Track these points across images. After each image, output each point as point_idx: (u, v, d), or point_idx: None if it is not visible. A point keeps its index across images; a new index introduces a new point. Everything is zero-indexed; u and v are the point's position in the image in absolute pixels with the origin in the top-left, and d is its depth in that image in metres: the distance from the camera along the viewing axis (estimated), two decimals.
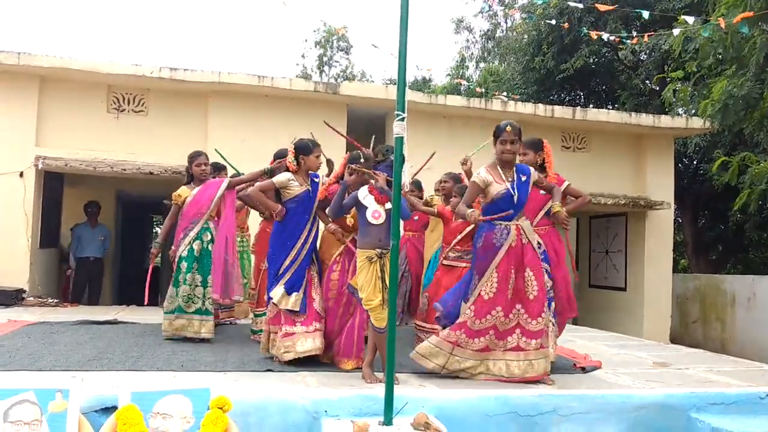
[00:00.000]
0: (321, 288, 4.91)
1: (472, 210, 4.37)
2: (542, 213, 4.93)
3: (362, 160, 4.74)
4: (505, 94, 14.86)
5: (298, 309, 4.77)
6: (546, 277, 4.73)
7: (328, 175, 5.36)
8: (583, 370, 5.07)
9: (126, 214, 13.59)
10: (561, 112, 10.94)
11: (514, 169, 4.58)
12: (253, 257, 6.81)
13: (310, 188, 4.99)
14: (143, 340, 5.81)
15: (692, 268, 15.59)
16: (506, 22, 23.04)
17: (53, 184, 9.71)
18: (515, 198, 4.46)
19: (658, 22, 13.13)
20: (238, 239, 6.70)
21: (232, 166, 6.69)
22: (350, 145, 7.41)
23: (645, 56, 15.38)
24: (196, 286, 5.84)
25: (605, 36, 8.59)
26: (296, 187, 4.93)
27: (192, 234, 5.89)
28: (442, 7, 46.29)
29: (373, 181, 4.52)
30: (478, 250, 4.57)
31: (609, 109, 14.89)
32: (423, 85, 22.02)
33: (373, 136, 5.22)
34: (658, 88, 14.23)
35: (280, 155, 5.62)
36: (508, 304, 4.44)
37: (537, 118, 10.69)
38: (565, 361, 5.36)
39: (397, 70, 3.70)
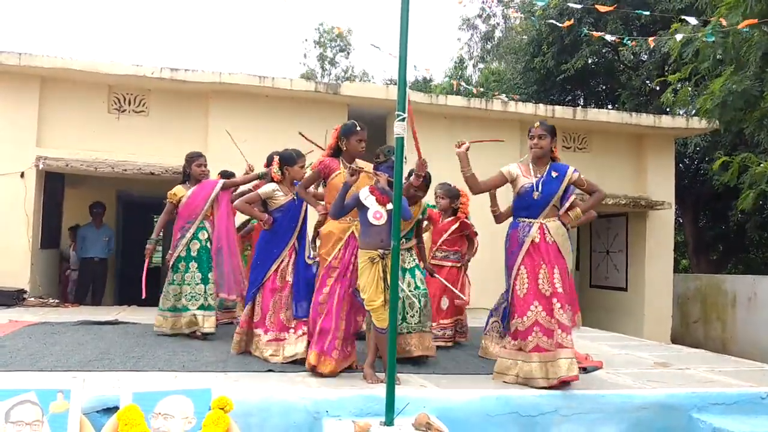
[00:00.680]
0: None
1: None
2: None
3: (358, 129, 4.69)
4: (504, 94, 14.87)
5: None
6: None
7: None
8: (584, 370, 5.06)
9: (127, 214, 13.59)
10: (561, 112, 10.94)
11: (548, 166, 4.64)
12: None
13: (295, 197, 5.14)
14: (144, 340, 5.81)
15: (693, 268, 15.59)
16: (505, 23, 23.04)
17: (54, 185, 9.72)
18: (536, 194, 4.52)
19: (658, 23, 13.13)
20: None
21: (240, 150, 6.85)
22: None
23: (645, 56, 15.37)
24: (197, 283, 6.01)
25: (608, 37, 8.57)
26: (281, 197, 5.17)
27: (189, 234, 6.06)
28: (442, 8, 46.31)
29: (375, 181, 4.52)
30: (506, 249, 4.66)
31: (609, 109, 14.90)
32: (424, 85, 22.01)
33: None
34: (658, 89, 14.23)
35: (272, 159, 5.71)
36: (547, 301, 4.38)
37: (537, 118, 10.61)
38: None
39: (398, 70, 3.70)
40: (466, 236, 6.23)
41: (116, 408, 3.27)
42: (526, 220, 4.56)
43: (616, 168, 11.39)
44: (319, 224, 5.17)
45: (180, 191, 6.20)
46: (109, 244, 10.30)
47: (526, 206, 4.56)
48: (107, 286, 11.77)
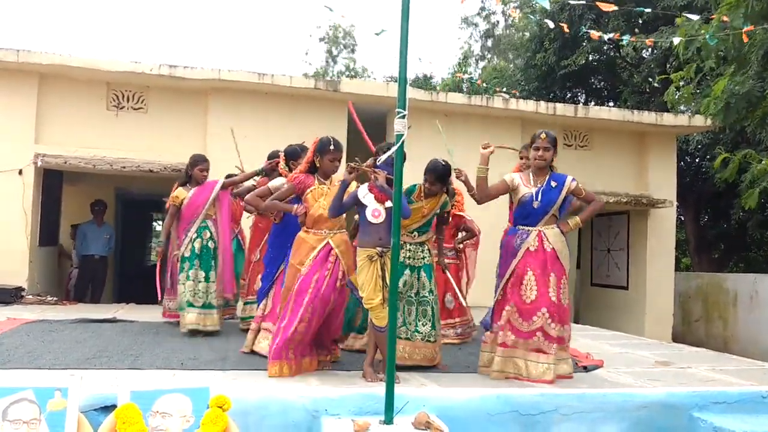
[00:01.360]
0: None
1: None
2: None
3: (331, 147, 4.66)
4: (505, 90, 14.85)
5: None
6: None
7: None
8: (585, 369, 5.06)
9: (126, 211, 13.59)
10: (563, 109, 10.91)
11: (548, 175, 4.70)
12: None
13: None
14: (142, 338, 5.80)
15: (695, 267, 15.57)
16: (505, 20, 23.04)
17: (52, 182, 9.69)
18: (536, 203, 4.61)
19: (661, 19, 13.09)
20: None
21: (237, 150, 6.95)
22: (351, 142, 7.41)
23: (647, 53, 15.34)
24: (199, 281, 6.11)
25: (606, 37, 8.54)
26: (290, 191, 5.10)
27: (191, 234, 6.18)
28: (444, 4, 46.25)
29: (373, 179, 4.49)
30: (501, 254, 4.78)
31: (611, 106, 14.87)
32: (424, 82, 21.99)
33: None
34: (660, 86, 14.20)
35: (274, 156, 5.98)
36: (530, 306, 4.53)
37: (538, 116, 10.66)
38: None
39: (398, 67, 3.67)
40: (465, 229, 6.30)
41: (114, 406, 3.26)
42: (525, 228, 4.66)
43: (618, 166, 11.37)
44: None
45: (182, 193, 6.38)
46: (110, 242, 10.29)
47: (525, 215, 4.65)
48: (106, 283, 11.76)
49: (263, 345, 4.99)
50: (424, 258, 4.94)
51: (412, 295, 4.84)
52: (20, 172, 8.95)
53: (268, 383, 4.12)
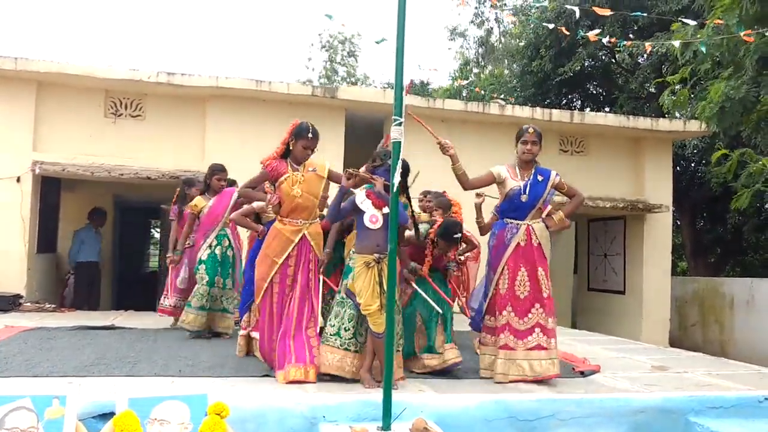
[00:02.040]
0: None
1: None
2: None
3: (309, 135, 4.71)
4: (502, 97, 14.90)
5: None
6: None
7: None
8: (582, 374, 5.07)
9: (124, 218, 13.57)
10: (559, 115, 10.95)
11: (534, 169, 4.81)
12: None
13: None
14: (140, 345, 5.80)
15: (691, 271, 15.59)
16: (499, 28, 23.12)
17: (50, 189, 9.70)
18: (524, 197, 4.72)
19: (656, 25, 13.16)
20: None
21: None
22: (349, 149, 7.45)
23: (642, 59, 15.40)
24: (219, 287, 6.41)
25: (605, 40, 8.58)
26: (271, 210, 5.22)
27: (210, 240, 6.45)
28: (442, 14, 46.43)
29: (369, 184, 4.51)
30: (491, 248, 4.86)
31: (606, 112, 14.91)
32: (421, 89, 22.04)
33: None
34: (655, 91, 14.24)
35: None
36: (524, 302, 4.64)
37: (535, 122, 10.65)
38: (565, 365, 5.35)
39: (394, 75, 3.69)
40: (465, 242, 6.26)
41: (112, 414, 3.26)
42: (514, 221, 4.77)
43: (614, 171, 11.40)
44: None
45: (201, 202, 6.64)
46: (100, 247, 10.36)
47: (514, 208, 4.76)
48: (104, 290, 11.77)
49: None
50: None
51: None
52: (18, 180, 8.96)
53: (265, 390, 4.13)
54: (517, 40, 18.08)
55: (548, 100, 16.02)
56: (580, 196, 4.93)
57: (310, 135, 4.66)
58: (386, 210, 4.29)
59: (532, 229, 4.72)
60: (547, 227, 4.77)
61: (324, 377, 4.42)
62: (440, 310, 4.84)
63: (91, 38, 42.72)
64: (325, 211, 5.05)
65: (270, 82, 9.61)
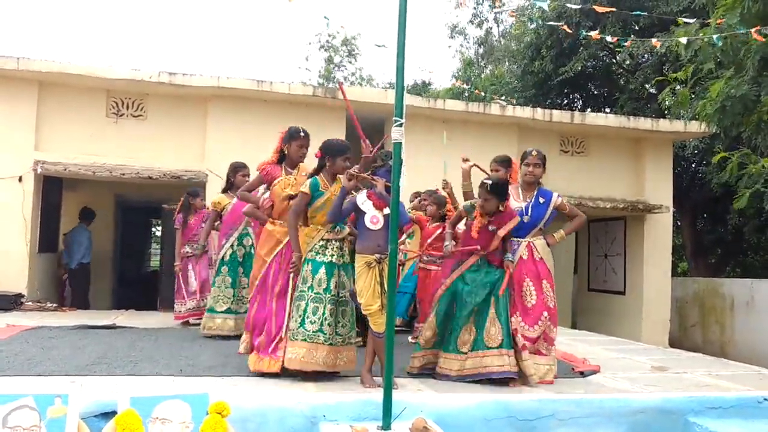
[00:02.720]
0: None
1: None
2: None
3: (301, 134, 4.93)
4: (503, 97, 14.90)
5: None
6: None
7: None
8: (582, 374, 5.08)
9: (125, 218, 13.60)
10: (559, 116, 10.96)
11: (536, 191, 5.01)
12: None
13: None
14: (142, 344, 5.81)
15: (691, 272, 15.60)
16: (498, 27, 23.13)
17: (52, 189, 9.72)
18: (526, 218, 4.89)
19: (656, 25, 13.16)
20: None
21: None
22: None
23: (643, 59, 15.41)
24: (243, 287, 6.33)
25: (608, 38, 8.58)
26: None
27: (232, 239, 6.43)
28: (442, 12, 46.43)
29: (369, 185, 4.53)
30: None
31: (607, 112, 14.92)
32: (422, 89, 22.05)
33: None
34: (656, 92, 14.24)
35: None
36: (533, 310, 4.81)
37: (535, 122, 10.71)
38: (564, 365, 5.37)
39: (395, 75, 3.70)
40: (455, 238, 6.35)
41: (114, 413, 3.27)
42: (515, 239, 4.89)
43: (614, 172, 11.42)
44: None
45: (224, 200, 6.64)
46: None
47: (516, 228, 4.82)
48: (105, 289, 11.81)
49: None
50: (344, 256, 4.58)
51: (336, 295, 4.46)
52: (20, 179, 8.98)
53: (266, 390, 4.15)
54: (517, 41, 18.08)
55: (549, 101, 16.03)
56: (582, 217, 5.09)
57: (302, 134, 4.94)
58: (387, 211, 4.31)
59: (533, 245, 4.91)
60: (547, 244, 4.98)
61: (321, 378, 4.44)
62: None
63: (93, 38, 42.78)
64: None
65: (271, 82, 9.63)
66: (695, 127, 10.96)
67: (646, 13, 9.93)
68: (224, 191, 6.75)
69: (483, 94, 16.91)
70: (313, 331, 4.36)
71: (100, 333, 6.51)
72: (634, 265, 11.59)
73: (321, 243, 4.51)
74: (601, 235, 12.57)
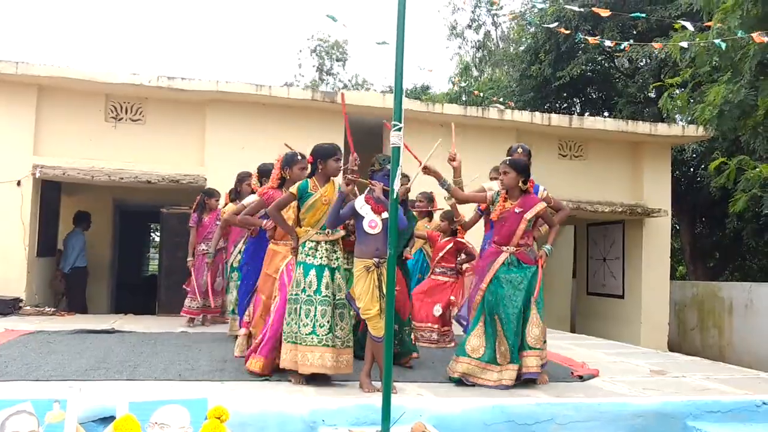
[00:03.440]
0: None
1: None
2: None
3: (299, 157, 5.07)
4: (501, 101, 14.92)
5: None
6: None
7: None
8: (581, 378, 5.08)
9: (123, 222, 13.60)
10: (558, 120, 10.97)
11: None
12: None
13: None
14: (141, 349, 5.80)
15: (690, 275, 15.60)
16: (496, 31, 23.15)
17: (51, 193, 9.71)
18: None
19: (655, 30, 13.19)
20: None
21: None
22: (348, 153, 7.46)
23: (641, 64, 15.44)
24: None
25: (607, 43, 8.59)
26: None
27: (240, 245, 6.59)
28: (441, 13, 46.46)
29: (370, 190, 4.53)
30: (481, 258, 5.19)
31: (605, 116, 14.94)
32: (421, 93, 22.07)
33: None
34: (654, 96, 14.27)
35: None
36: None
37: (534, 126, 10.72)
38: (563, 369, 5.37)
39: (394, 81, 3.71)
40: (466, 253, 6.72)
41: (113, 418, 3.27)
42: None
43: (613, 176, 11.43)
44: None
45: (232, 209, 6.72)
46: None
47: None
48: (103, 294, 11.79)
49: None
50: (338, 259, 4.63)
51: (329, 297, 4.48)
52: (18, 183, 8.96)
53: (266, 394, 4.14)
54: (516, 45, 18.10)
55: (547, 105, 16.05)
56: (566, 210, 5.33)
57: (299, 157, 5.09)
58: (385, 215, 4.31)
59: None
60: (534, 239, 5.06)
61: (320, 383, 4.44)
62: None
63: (92, 43, 42.80)
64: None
65: (270, 86, 9.64)
66: (693, 131, 10.98)
67: (644, 16, 9.94)
68: (232, 201, 7.01)
69: (481, 95, 16.93)
70: (306, 334, 4.39)
71: (98, 338, 6.50)
72: (633, 269, 11.60)
73: (311, 245, 4.55)
74: (600, 238, 12.58)
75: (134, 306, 10.11)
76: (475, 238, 6.46)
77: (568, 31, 8.29)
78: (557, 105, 16.53)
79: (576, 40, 12.90)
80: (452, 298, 6.53)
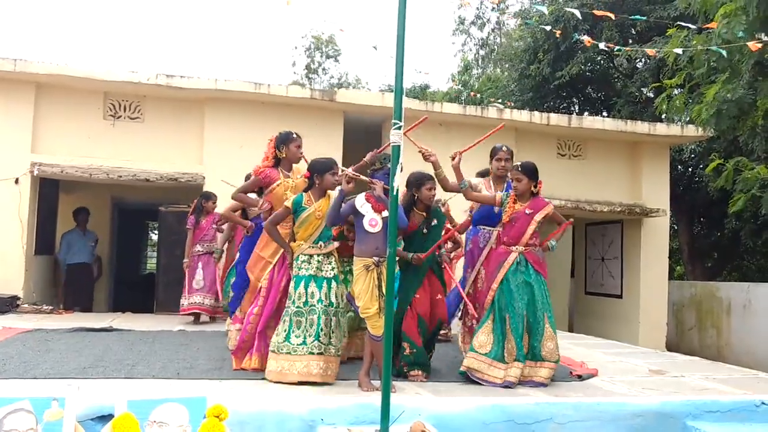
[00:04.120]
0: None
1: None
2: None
3: (294, 135, 5.14)
4: (500, 101, 14.92)
5: None
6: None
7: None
8: (580, 377, 5.09)
9: (122, 220, 13.57)
10: (557, 119, 10.97)
11: (506, 183, 5.32)
12: None
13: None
14: (139, 347, 5.80)
15: (688, 275, 15.62)
16: (500, 28, 23.12)
17: (48, 191, 9.69)
18: (496, 208, 5.14)
19: (654, 30, 13.19)
20: None
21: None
22: (347, 151, 7.52)
23: (640, 64, 15.44)
24: None
25: (601, 45, 8.60)
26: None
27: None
28: (442, 11, 46.51)
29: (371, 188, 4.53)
30: (467, 251, 5.47)
31: (604, 116, 14.94)
32: (420, 92, 22.06)
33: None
34: (653, 96, 14.27)
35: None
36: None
37: (533, 126, 10.72)
38: (562, 368, 5.36)
39: (394, 79, 3.70)
40: (453, 241, 6.85)
41: (111, 416, 3.27)
42: (487, 228, 5.31)
43: (611, 175, 11.43)
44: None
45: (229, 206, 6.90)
46: (94, 248, 10.30)
47: (487, 216, 5.28)
48: (101, 292, 11.74)
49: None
50: (333, 269, 4.64)
51: (316, 306, 4.49)
52: (16, 181, 8.95)
53: (264, 393, 4.14)
54: (518, 42, 18.05)
55: (546, 104, 16.04)
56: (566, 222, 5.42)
57: (295, 135, 5.16)
58: (385, 214, 4.30)
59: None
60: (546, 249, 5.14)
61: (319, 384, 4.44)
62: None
63: (91, 40, 42.73)
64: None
65: (269, 84, 9.63)
66: (692, 131, 10.98)
67: (643, 17, 9.94)
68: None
69: (479, 96, 16.92)
70: (298, 344, 4.44)
71: (96, 336, 6.49)
72: (631, 269, 11.60)
73: (304, 258, 4.57)
74: (598, 238, 12.58)
75: (132, 304, 10.09)
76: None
77: (560, 32, 8.29)
78: (556, 105, 16.53)
79: (573, 40, 12.89)
80: None
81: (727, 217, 13.47)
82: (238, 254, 6.66)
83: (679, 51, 7.96)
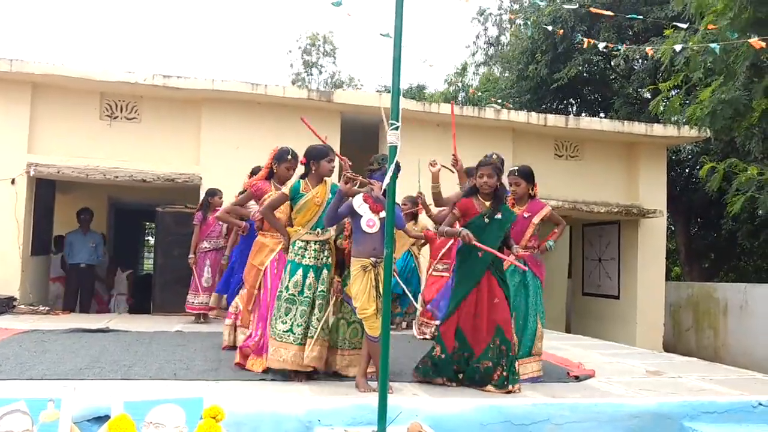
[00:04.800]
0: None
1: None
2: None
3: (289, 157, 5.29)
4: (500, 101, 14.92)
5: None
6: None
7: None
8: (577, 378, 5.08)
9: (118, 221, 13.55)
10: (554, 120, 10.98)
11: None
12: None
13: None
14: (135, 348, 5.78)
15: (685, 276, 15.64)
16: (510, 26, 23.08)
17: (45, 191, 9.67)
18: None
19: (651, 30, 13.22)
20: None
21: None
22: (344, 152, 7.48)
23: (638, 65, 15.47)
24: None
25: (601, 45, 8.61)
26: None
27: None
28: (444, 10, 46.50)
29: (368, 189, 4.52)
30: (458, 261, 5.15)
31: (602, 117, 14.96)
32: (417, 93, 22.05)
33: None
34: (650, 97, 14.29)
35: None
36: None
37: (530, 127, 10.73)
38: (559, 369, 5.37)
39: (392, 80, 3.69)
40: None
41: (107, 417, 3.25)
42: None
43: (609, 176, 11.44)
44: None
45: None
46: (97, 250, 10.22)
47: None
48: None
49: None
50: (328, 257, 4.66)
51: (309, 297, 4.54)
52: (13, 182, 8.93)
53: (261, 394, 4.13)
54: (512, 46, 18.06)
55: (544, 105, 16.06)
56: (563, 223, 5.42)
57: (290, 157, 5.32)
58: (383, 214, 4.30)
59: None
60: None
61: (319, 379, 4.44)
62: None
63: (87, 41, 42.68)
64: None
65: (266, 85, 9.62)
66: (689, 132, 10.99)
67: (641, 17, 9.96)
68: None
69: (478, 94, 16.91)
70: (284, 331, 4.49)
71: (93, 337, 6.47)
72: (629, 270, 11.62)
73: (301, 244, 4.62)
74: (595, 239, 12.59)
75: (129, 305, 10.07)
76: None
77: (562, 32, 8.32)
78: (554, 106, 16.55)
79: (573, 42, 12.91)
80: None
81: (724, 218, 13.50)
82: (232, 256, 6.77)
83: (678, 47, 7.98)
